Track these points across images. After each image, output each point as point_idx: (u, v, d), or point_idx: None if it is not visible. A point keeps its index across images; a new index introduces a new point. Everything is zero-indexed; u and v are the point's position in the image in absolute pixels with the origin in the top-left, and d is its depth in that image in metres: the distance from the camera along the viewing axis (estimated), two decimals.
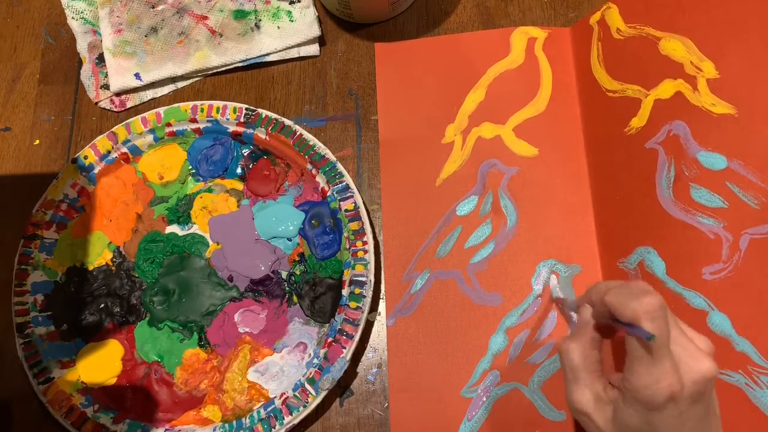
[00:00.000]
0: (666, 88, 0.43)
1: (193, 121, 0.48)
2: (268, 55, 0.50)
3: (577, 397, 0.33)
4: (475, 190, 0.45)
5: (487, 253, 0.44)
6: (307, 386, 0.41)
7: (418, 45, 0.49)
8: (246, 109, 0.47)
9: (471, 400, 0.41)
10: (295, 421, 0.40)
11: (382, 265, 0.45)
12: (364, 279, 0.42)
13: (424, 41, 0.49)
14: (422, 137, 0.47)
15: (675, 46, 0.43)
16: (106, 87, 0.51)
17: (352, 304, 0.42)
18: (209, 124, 0.48)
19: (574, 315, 0.41)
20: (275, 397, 0.42)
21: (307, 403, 0.41)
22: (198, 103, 0.48)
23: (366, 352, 0.44)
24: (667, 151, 0.41)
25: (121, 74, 0.50)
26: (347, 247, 0.44)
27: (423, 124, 0.47)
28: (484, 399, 0.41)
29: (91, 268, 0.46)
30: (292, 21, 0.50)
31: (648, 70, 0.44)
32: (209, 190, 0.47)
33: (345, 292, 0.43)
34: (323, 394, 0.41)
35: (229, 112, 0.47)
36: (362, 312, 0.42)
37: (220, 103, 0.48)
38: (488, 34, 0.49)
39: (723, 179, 0.39)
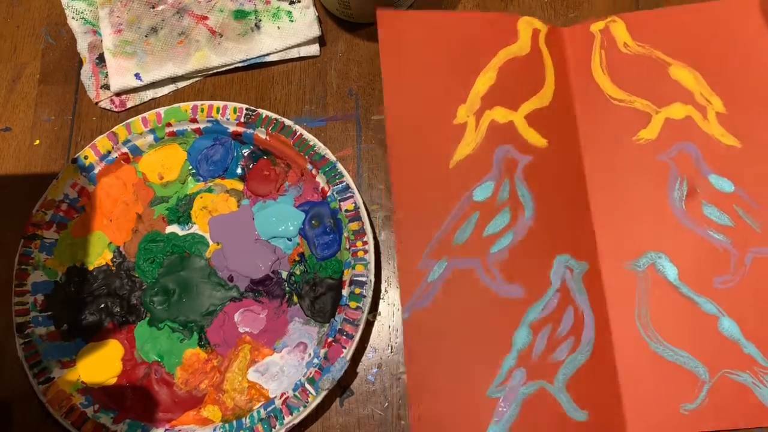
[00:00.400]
0: (677, 110, 0.45)
1: (194, 121, 0.48)
2: (268, 55, 0.50)
3: None
4: (491, 176, 0.44)
5: (507, 242, 0.42)
6: (307, 386, 0.41)
7: (423, 17, 0.47)
8: (246, 109, 0.47)
9: (498, 401, 0.39)
10: (295, 421, 0.40)
11: (393, 270, 0.44)
12: (364, 279, 0.42)
13: (430, 14, 0.47)
14: (432, 116, 0.45)
15: (685, 76, 0.46)
16: (107, 87, 0.51)
17: (352, 304, 0.42)
18: (209, 124, 0.48)
19: None
20: (275, 397, 0.42)
21: (307, 403, 0.41)
22: (198, 103, 0.48)
23: (366, 352, 0.44)
24: (679, 167, 0.44)
25: (121, 74, 0.50)
26: (347, 247, 0.44)
27: (432, 103, 0.45)
28: (512, 399, 0.39)
29: (91, 268, 0.46)
30: (292, 21, 0.50)
31: (658, 89, 0.46)
32: (209, 190, 0.47)
33: (345, 292, 0.43)
34: (323, 394, 0.41)
35: (229, 112, 0.47)
36: (362, 312, 0.42)
37: (220, 103, 0.48)
38: (496, 17, 0.47)
39: (731, 202, 0.43)
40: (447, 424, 0.39)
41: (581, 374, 0.40)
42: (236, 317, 0.45)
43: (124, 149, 0.48)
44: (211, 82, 0.51)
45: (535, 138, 0.45)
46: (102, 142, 0.48)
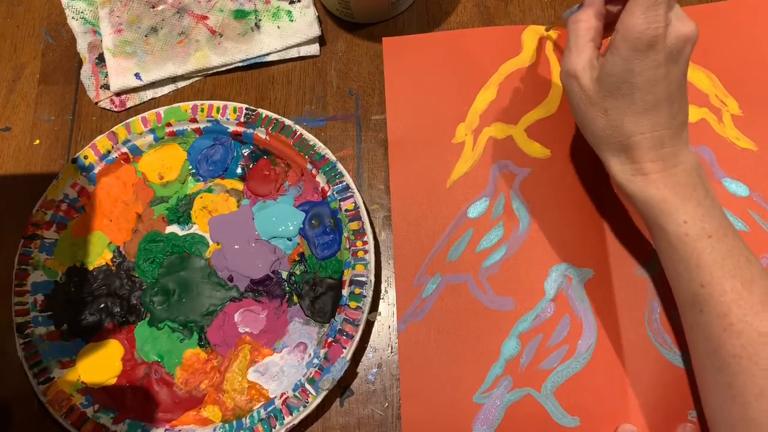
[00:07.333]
0: (692, 113, 0.45)
1: (193, 121, 0.48)
2: (268, 55, 0.50)
3: (573, 59, 0.37)
4: (486, 192, 0.45)
5: (499, 257, 0.43)
6: (307, 386, 0.41)
7: (426, 39, 0.48)
8: (246, 109, 0.47)
9: (483, 406, 0.41)
10: (295, 421, 0.40)
11: (393, 270, 0.44)
12: (364, 279, 0.42)
13: (433, 36, 0.49)
14: (432, 136, 0.46)
15: (700, 78, 0.45)
16: (106, 87, 0.51)
17: (352, 304, 0.42)
18: (209, 124, 0.48)
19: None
20: (275, 397, 0.42)
21: (307, 403, 0.41)
22: (198, 103, 0.48)
23: (366, 352, 0.44)
24: None
25: (121, 74, 0.50)
26: (347, 247, 0.44)
27: (433, 122, 0.46)
28: (497, 405, 0.41)
29: (91, 268, 0.46)
30: (292, 21, 0.50)
31: None
32: (209, 190, 0.47)
33: (345, 292, 0.43)
34: (323, 394, 0.41)
35: (229, 112, 0.47)
36: (362, 312, 0.42)
37: (220, 103, 0.48)
38: (499, 31, 0.48)
39: (746, 206, 0.43)
40: (435, 428, 0.41)
41: (575, 381, 0.40)
42: (236, 317, 0.45)
43: (124, 149, 0.48)
44: (211, 82, 0.51)
45: (535, 150, 0.45)
46: (102, 142, 0.48)
